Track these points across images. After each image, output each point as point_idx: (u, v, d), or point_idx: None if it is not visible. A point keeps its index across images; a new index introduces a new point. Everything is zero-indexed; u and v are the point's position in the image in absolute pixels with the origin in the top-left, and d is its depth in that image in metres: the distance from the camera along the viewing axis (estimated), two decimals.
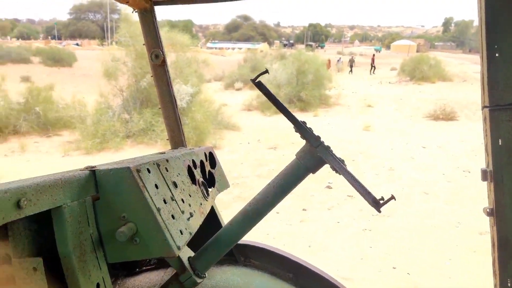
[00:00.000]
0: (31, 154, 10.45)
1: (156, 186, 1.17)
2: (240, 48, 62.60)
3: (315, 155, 1.33)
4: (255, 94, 17.79)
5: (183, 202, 1.32)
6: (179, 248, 1.13)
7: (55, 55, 33.99)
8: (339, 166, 1.30)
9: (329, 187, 7.25)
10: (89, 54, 36.58)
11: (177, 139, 2.02)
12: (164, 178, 1.26)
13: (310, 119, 14.90)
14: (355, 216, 6.22)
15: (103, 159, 9.54)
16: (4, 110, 12.65)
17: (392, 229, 5.72)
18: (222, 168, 1.98)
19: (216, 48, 67.02)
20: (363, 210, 6.34)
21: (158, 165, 1.26)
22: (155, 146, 10.34)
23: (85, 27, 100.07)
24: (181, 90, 10.71)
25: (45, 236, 1.00)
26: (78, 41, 78.94)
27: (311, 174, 1.43)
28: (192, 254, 1.40)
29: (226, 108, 14.36)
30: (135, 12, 1.88)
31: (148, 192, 1.10)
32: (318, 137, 1.34)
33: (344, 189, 7.13)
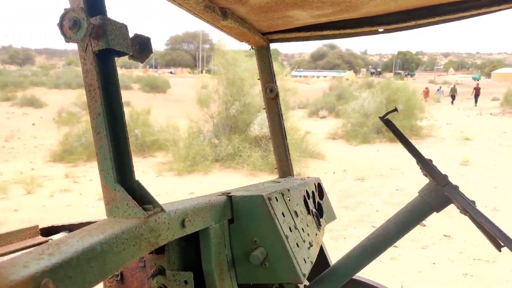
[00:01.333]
0: None
1: (283, 214, 1.23)
2: (325, 76, 62.65)
3: (441, 194, 1.29)
4: (340, 122, 17.51)
5: (303, 231, 1.36)
6: (304, 275, 1.17)
7: (152, 82, 36.99)
8: (470, 207, 1.22)
9: (422, 224, 6.74)
10: (181, 81, 39.33)
11: (285, 168, 2.11)
12: (288, 207, 1.31)
13: (400, 150, 14.20)
14: (454, 258, 5.68)
15: (193, 181, 10.01)
16: None
17: (498, 277, 5.10)
18: (329, 200, 1.97)
19: (300, 76, 67.83)
20: (463, 253, 5.77)
21: (283, 194, 1.32)
22: (242, 171, 10.59)
23: (179, 57, 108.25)
24: None
25: (191, 253, 1.11)
26: (172, 70, 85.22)
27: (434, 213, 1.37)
28: (306, 283, 1.45)
29: (310, 136, 14.30)
30: (252, 49, 2.03)
31: (278, 220, 1.17)
32: (446, 176, 1.28)
33: (440, 228, 6.58)
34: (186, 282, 1.02)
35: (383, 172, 10.61)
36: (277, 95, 2.04)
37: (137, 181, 0.83)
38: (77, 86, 33.11)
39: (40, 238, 1.45)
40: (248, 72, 12.32)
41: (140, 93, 33.93)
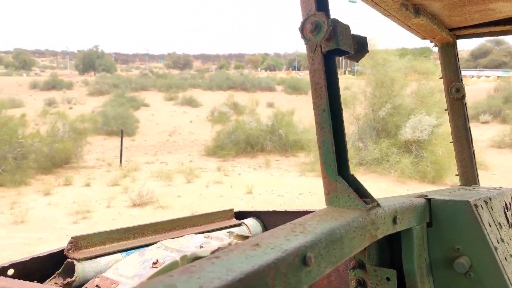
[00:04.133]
0: (273, 170, 11.85)
1: (489, 224, 1.16)
2: (488, 76, 55.36)
3: None
4: (508, 128, 15.24)
5: (509, 245, 1.25)
6: None
7: (295, 84, 37.93)
8: None
9: None
10: None
11: (469, 175, 1.95)
12: (492, 217, 1.23)
13: None
14: None
15: None
16: (256, 131, 14.86)
17: None
18: None
19: None
20: None
21: (486, 203, 1.24)
22: (388, 177, 10.05)
23: None
24: (423, 121, 10.12)
25: (389, 252, 1.11)
26: None
27: None
28: None
29: None
30: (436, 47, 1.92)
31: (486, 229, 1.10)
32: None
33: None
34: (388, 279, 1.02)
35: None
36: (463, 96, 1.87)
37: (352, 175, 0.86)
38: (227, 88, 36.09)
39: (235, 221, 1.59)
40: (400, 72, 11.60)
41: (283, 95, 35.21)
